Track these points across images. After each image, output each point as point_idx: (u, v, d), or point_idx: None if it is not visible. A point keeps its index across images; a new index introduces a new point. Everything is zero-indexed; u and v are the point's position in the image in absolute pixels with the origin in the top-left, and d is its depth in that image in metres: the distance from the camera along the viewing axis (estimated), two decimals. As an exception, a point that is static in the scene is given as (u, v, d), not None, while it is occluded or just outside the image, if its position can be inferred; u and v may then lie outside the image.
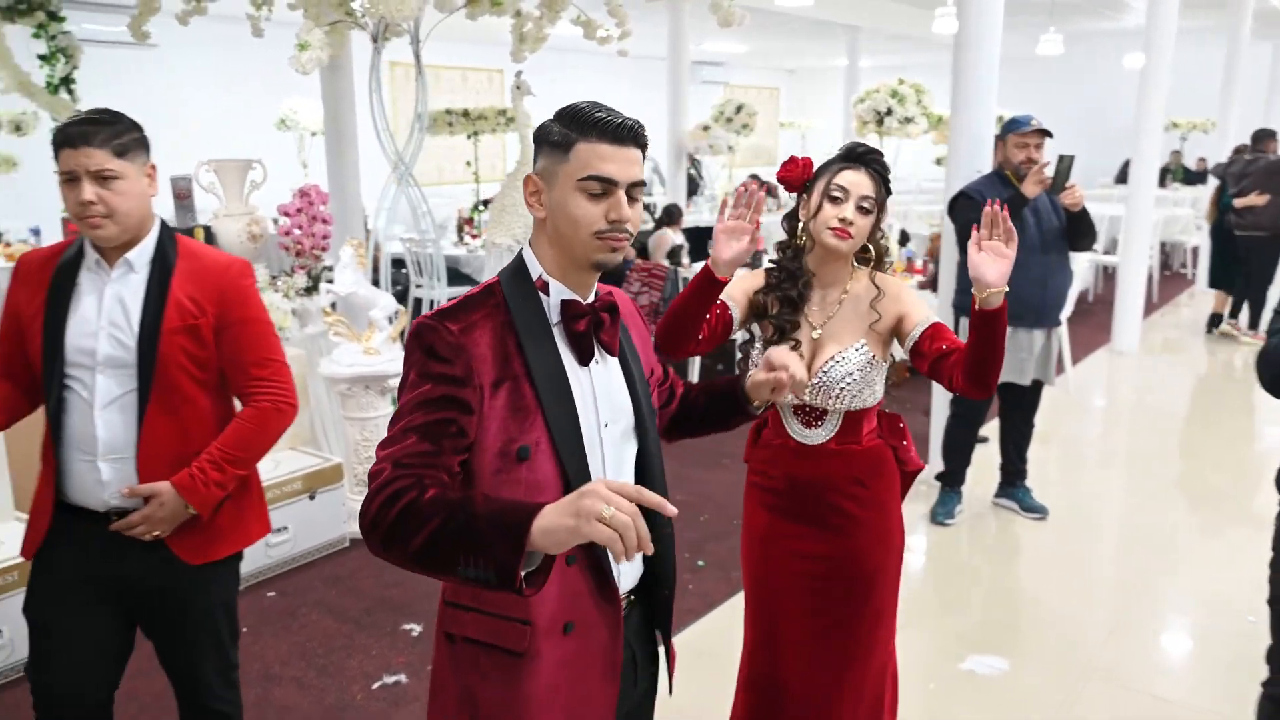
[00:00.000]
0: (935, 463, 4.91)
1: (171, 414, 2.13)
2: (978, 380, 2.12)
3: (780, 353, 1.82)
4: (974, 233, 2.08)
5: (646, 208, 10.26)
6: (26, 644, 2.21)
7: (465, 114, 9.60)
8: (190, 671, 2.28)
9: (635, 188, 1.50)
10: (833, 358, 2.27)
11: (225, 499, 2.20)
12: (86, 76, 6.44)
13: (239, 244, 4.85)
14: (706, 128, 10.40)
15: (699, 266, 7.85)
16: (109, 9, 8.67)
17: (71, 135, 2.03)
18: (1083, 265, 7.46)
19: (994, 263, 2.05)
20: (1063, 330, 6.31)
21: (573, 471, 1.48)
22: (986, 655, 3.42)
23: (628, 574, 1.62)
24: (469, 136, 10.01)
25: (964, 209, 4.30)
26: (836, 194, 2.23)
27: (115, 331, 2.10)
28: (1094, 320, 9.13)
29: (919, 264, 7.01)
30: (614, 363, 1.60)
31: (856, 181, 2.24)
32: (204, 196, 5.11)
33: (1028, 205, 4.15)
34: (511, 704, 1.51)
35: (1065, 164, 4.07)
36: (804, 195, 2.32)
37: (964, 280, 4.45)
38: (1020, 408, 4.63)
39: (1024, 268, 4.26)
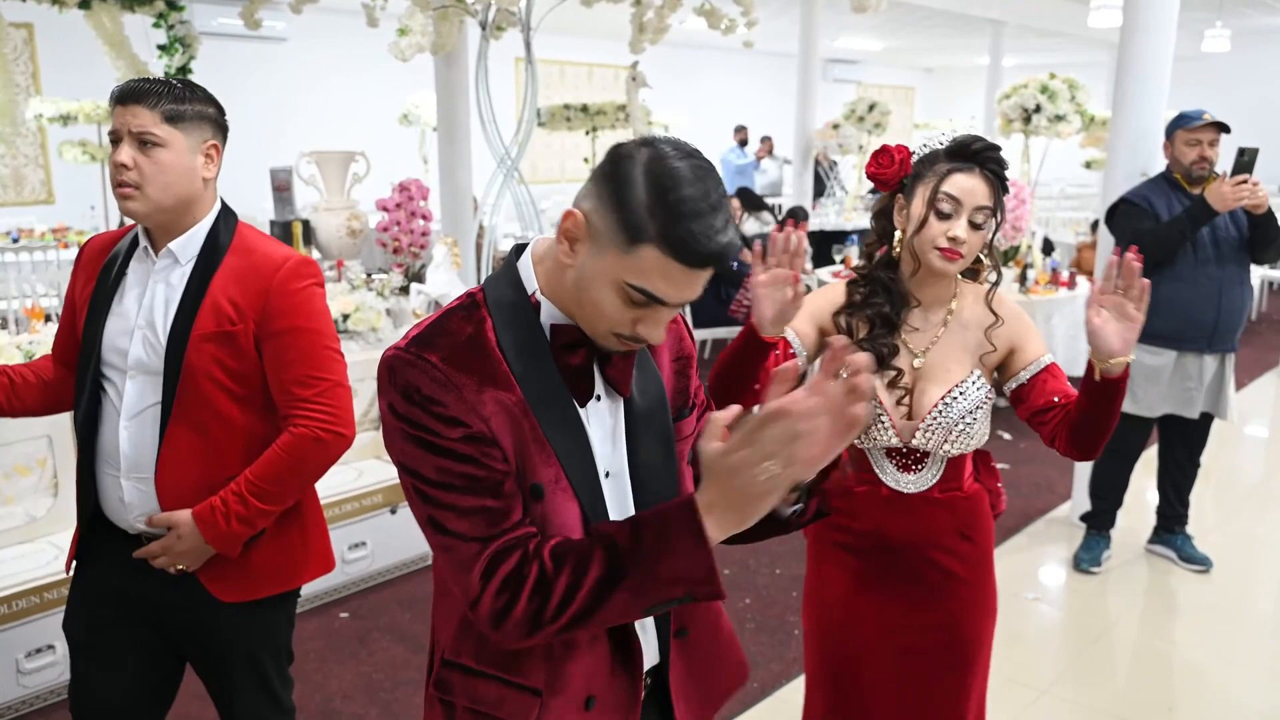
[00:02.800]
0: (1080, 501, 4.39)
1: (199, 432, 1.87)
2: (1085, 448, 1.83)
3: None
4: (1091, 290, 1.72)
5: (770, 210, 9.86)
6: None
7: (584, 109, 9.35)
8: (235, 715, 2.05)
9: (685, 303, 1.19)
10: (950, 393, 1.88)
11: (258, 535, 1.93)
12: (217, 70, 6.45)
13: (337, 239, 4.69)
14: (836, 126, 9.92)
15: (824, 271, 7.43)
16: (237, 1, 8.77)
17: (124, 92, 1.81)
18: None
19: (1118, 326, 1.69)
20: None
21: (593, 516, 1.24)
22: (1139, 737, 2.93)
23: (650, 648, 1.35)
24: (587, 133, 9.77)
25: (1127, 217, 3.77)
26: (946, 207, 1.80)
27: (148, 332, 1.85)
28: (1260, 340, 8.32)
29: (1064, 275, 6.42)
30: (620, 402, 1.29)
31: (971, 189, 1.80)
32: (306, 191, 4.97)
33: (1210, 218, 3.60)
34: None
35: (1246, 158, 3.51)
36: (899, 194, 1.90)
37: None
38: (1185, 444, 4.03)
39: (1193, 283, 3.72)
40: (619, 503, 1.28)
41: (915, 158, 1.88)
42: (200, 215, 1.89)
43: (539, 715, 1.26)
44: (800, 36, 9.87)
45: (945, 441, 1.90)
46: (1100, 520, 4.12)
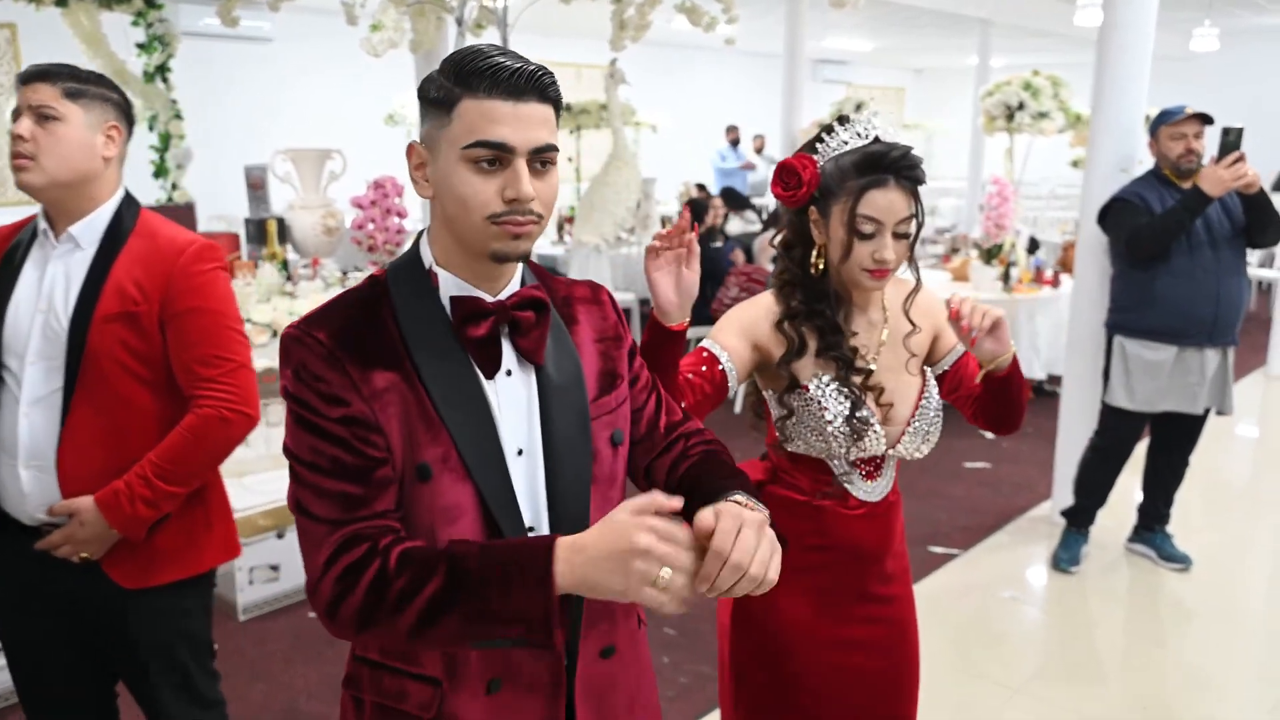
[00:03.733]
0: (1061, 496, 4.36)
1: (103, 415, 1.86)
2: (1002, 427, 1.92)
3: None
4: (954, 323, 1.74)
5: (754, 209, 9.82)
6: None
7: (567, 108, 9.36)
8: (158, 713, 2.03)
9: (543, 154, 1.17)
10: (923, 395, 1.86)
11: (164, 519, 1.92)
12: (203, 70, 6.38)
13: (313, 237, 4.65)
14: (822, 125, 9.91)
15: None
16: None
17: (29, 73, 1.85)
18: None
19: (992, 336, 1.74)
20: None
21: (492, 496, 1.19)
22: (1114, 737, 2.91)
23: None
24: (571, 132, 9.77)
25: (1121, 214, 3.74)
26: (867, 229, 1.69)
27: (49, 316, 1.84)
28: (1246, 340, 8.23)
29: (1049, 274, 6.41)
30: (534, 374, 1.26)
31: (889, 206, 1.68)
32: (285, 190, 4.92)
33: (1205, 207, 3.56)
34: None
35: (1231, 138, 3.48)
36: (811, 206, 1.78)
37: (1121, 297, 3.86)
38: (1181, 442, 3.98)
39: (1189, 277, 3.67)
40: (529, 482, 1.24)
41: (821, 162, 1.75)
42: (101, 198, 1.90)
43: (440, 705, 1.23)
44: (785, 35, 9.84)
45: (923, 443, 1.87)
46: (1081, 518, 4.09)
